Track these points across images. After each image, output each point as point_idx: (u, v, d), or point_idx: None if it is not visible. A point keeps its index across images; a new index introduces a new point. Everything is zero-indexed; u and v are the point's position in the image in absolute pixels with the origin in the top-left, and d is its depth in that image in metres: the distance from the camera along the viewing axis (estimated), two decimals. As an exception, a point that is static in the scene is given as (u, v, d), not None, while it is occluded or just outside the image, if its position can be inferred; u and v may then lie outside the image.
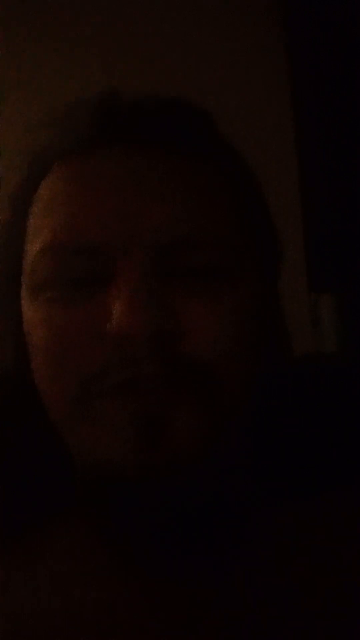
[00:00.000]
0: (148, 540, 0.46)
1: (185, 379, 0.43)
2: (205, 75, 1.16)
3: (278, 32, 1.19)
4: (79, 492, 0.48)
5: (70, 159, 0.47)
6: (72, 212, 0.45)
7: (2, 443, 0.51)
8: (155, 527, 0.45)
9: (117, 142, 0.47)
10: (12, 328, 0.50)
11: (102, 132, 0.47)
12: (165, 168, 0.46)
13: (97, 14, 1.19)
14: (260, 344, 0.47)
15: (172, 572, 0.45)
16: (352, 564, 0.47)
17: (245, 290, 0.46)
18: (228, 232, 0.46)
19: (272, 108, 1.19)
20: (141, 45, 1.17)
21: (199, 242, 0.45)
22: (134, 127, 0.47)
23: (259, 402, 0.47)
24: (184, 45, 1.19)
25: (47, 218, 0.46)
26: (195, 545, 0.46)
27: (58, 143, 0.48)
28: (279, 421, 0.51)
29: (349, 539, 0.48)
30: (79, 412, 0.44)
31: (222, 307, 0.45)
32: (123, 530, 0.46)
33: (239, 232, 0.47)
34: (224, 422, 0.45)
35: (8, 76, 1.18)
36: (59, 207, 0.46)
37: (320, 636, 0.44)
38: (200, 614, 0.45)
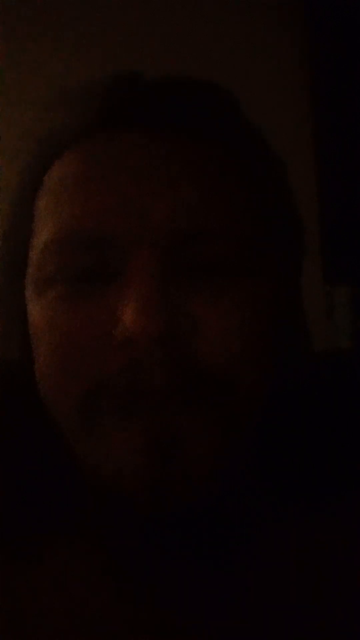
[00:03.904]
0: (151, 551, 0.44)
1: (197, 390, 0.41)
2: (216, 55, 1.13)
3: (297, 15, 1.17)
4: (82, 504, 0.46)
5: (80, 143, 0.44)
6: (81, 201, 0.43)
7: (6, 449, 0.49)
8: (160, 537, 0.43)
9: (131, 126, 0.44)
10: (18, 324, 0.47)
11: (114, 115, 0.44)
12: (180, 155, 0.43)
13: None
14: (278, 347, 0.44)
15: (175, 583, 0.44)
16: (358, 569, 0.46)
17: (264, 289, 0.44)
18: (245, 225, 0.44)
19: (289, 94, 1.17)
20: (150, 24, 1.15)
21: (214, 235, 0.42)
22: (149, 111, 0.44)
23: (271, 406, 0.45)
24: (194, 26, 1.16)
25: (55, 207, 0.44)
26: (199, 555, 0.44)
27: (67, 126, 0.45)
28: (287, 424, 0.49)
29: (354, 545, 0.47)
30: (86, 424, 0.42)
31: (237, 313, 0.42)
32: (127, 542, 0.44)
33: (257, 225, 0.44)
34: (237, 435, 0.42)
35: (10, 58, 1.16)
36: (68, 195, 0.43)
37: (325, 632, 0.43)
38: (204, 624, 0.43)
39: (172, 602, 0.44)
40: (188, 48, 1.11)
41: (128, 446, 0.40)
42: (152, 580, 0.44)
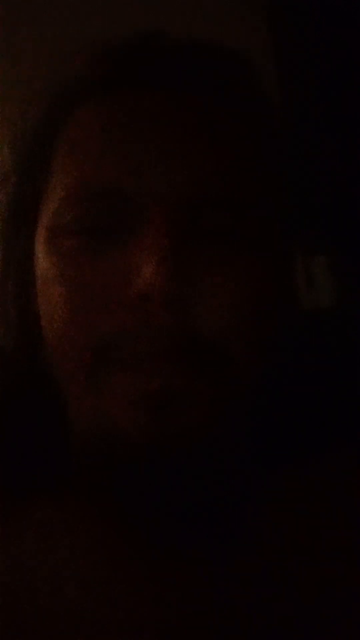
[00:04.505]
0: (149, 513, 0.45)
1: (195, 355, 0.42)
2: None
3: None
4: (77, 465, 0.47)
5: (99, 98, 0.45)
6: (103, 153, 0.43)
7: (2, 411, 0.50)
8: (157, 499, 0.45)
9: (149, 85, 0.45)
10: (22, 279, 0.48)
11: (134, 72, 0.45)
12: (199, 118, 0.44)
13: None
14: (271, 321, 0.46)
15: (172, 544, 0.45)
16: (355, 527, 0.48)
17: (266, 264, 0.45)
18: (256, 196, 0.45)
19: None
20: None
21: (228, 202, 0.43)
22: (169, 71, 0.45)
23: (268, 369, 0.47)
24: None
25: (75, 159, 0.44)
26: (196, 517, 0.45)
27: (85, 81, 0.46)
28: (280, 384, 0.51)
29: (352, 502, 0.49)
30: (91, 377, 0.43)
31: (240, 287, 0.44)
32: (124, 503, 0.46)
33: (265, 197, 0.46)
34: (234, 397, 0.44)
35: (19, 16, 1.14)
36: (88, 148, 0.44)
37: (325, 603, 0.45)
38: (200, 587, 0.44)
39: (169, 562, 0.45)
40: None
41: (128, 401, 0.42)
42: (148, 541, 0.46)
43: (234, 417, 0.45)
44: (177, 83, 0.45)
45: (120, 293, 0.42)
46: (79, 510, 0.47)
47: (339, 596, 0.45)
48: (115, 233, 0.43)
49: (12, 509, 0.48)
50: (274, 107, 0.51)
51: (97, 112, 0.46)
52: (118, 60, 0.46)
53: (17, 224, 0.49)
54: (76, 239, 0.44)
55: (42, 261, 0.46)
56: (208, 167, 0.44)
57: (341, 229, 1.07)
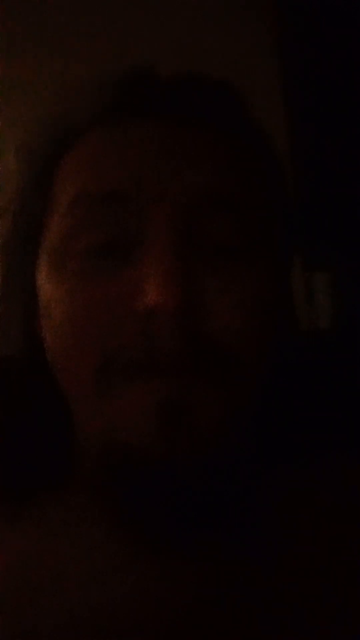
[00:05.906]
0: (151, 513, 0.45)
1: (205, 361, 0.42)
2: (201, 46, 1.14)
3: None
4: (81, 466, 0.48)
5: (99, 127, 0.47)
6: (104, 164, 0.44)
7: (7, 416, 0.50)
8: (160, 500, 0.44)
9: (147, 114, 0.46)
10: (23, 302, 0.48)
11: (132, 103, 0.47)
12: (197, 137, 0.46)
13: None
14: (273, 324, 0.47)
15: (174, 544, 0.45)
16: (355, 527, 0.47)
17: (268, 272, 0.46)
18: (254, 201, 0.46)
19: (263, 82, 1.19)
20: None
21: (227, 203, 0.44)
22: (171, 100, 0.47)
23: (269, 377, 0.47)
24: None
25: (76, 173, 0.45)
26: (198, 517, 0.45)
27: (87, 111, 0.48)
28: (283, 390, 0.52)
29: (353, 502, 0.49)
30: (101, 389, 0.43)
31: (244, 292, 0.44)
32: (126, 503, 0.45)
33: (263, 204, 0.47)
34: (241, 404, 0.44)
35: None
36: (89, 162, 0.45)
37: (325, 603, 0.44)
38: (202, 586, 0.44)
39: (172, 557, 0.45)
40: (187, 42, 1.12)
41: (140, 410, 0.42)
42: (152, 540, 0.45)
43: (240, 422, 0.46)
44: (169, 112, 0.47)
45: (125, 308, 0.43)
46: (81, 509, 0.47)
47: (339, 596, 0.45)
48: (118, 247, 0.44)
49: (16, 508, 0.48)
50: (263, 131, 0.52)
51: (100, 137, 0.47)
52: (120, 93, 0.48)
53: (19, 249, 0.49)
54: (80, 259, 0.44)
55: (46, 283, 0.46)
56: (208, 173, 0.45)
57: (343, 247, 1.08)
